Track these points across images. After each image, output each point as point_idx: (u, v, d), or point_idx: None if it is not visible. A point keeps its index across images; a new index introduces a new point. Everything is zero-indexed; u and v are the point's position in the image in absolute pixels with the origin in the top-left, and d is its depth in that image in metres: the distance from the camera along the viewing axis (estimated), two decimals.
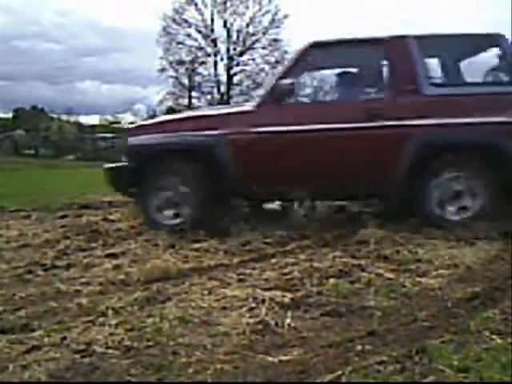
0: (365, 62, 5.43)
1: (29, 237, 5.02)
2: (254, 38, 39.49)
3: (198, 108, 33.05)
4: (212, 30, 38.79)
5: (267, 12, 38.38)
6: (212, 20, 38.48)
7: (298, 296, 2.89)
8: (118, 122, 48.39)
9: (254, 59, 40.02)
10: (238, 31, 38.93)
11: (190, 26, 38.79)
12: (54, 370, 2.05)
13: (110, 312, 2.69)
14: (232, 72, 39.43)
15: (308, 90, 6.18)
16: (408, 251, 3.82)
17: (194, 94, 42.17)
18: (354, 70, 5.67)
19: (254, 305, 2.74)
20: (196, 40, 39.29)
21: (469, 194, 4.54)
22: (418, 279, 3.19)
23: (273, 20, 38.64)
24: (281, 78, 4.70)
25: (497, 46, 4.84)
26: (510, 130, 4.45)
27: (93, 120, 60.70)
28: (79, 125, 51.31)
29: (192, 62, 39.84)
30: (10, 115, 55.98)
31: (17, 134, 40.89)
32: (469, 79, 5.20)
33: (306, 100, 5.69)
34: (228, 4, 38.19)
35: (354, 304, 2.77)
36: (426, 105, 4.61)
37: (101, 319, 2.60)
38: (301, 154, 4.58)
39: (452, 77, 5.36)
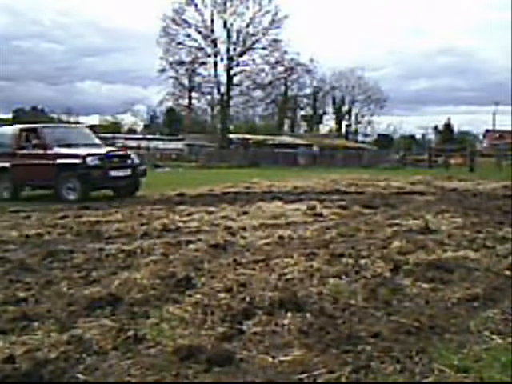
0: None
1: None
2: (254, 39, 39.49)
3: None
4: (212, 31, 38.78)
5: (267, 12, 38.40)
6: (212, 20, 38.47)
7: None
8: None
9: (253, 60, 40.04)
10: (238, 31, 38.92)
11: (189, 27, 38.79)
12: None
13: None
14: (232, 72, 39.41)
15: None
16: None
17: (193, 94, 42.20)
18: None
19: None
20: (196, 40, 39.29)
21: None
22: None
23: (273, 20, 38.65)
24: None
25: None
26: None
27: (93, 120, 60.64)
28: None
29: (192, 62, 39.84)
30: (10, 116, 56.01)
31: None
32: None
33: None
34: (228, 4, 38.18)
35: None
36: None
37: None
38: None
39: None
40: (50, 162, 10.12)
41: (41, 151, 10.37)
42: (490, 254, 3.99)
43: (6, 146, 11.05)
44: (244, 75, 40.27)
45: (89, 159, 9.86)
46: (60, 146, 10.33)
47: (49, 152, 10.25)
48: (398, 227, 5.41)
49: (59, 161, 10.05)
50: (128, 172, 10.49)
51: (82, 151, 10.12)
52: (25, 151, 10.72)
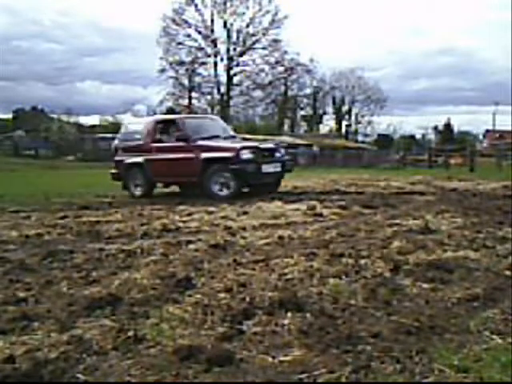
0: None
1: None
2: (254, 39, 39.57)
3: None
4: (212, 31, 38.84)
5: (267, 12, 38.49)
6: (212, 20, 38.54)
7: None
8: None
9: (254, 60, 40.06)
10: (238, 31, 38.99)
11: (189, 27, 38.87)
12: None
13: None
14: (232, 72, 39.47)
15: None
16: None
17: (193, 94, 42.23)
18: None
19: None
20: (196, 40, 39.38)
21: None
22: None
23: (273, 20, 38.73)
24: None
25: None
26: None
27: (93, 120, 60.69)
28: (79, 125, 51.35)
29: (192, 62, 39.87)
30: (10, 116, 56.01)
31: (17, 134, 40.89)
32: None
33: None
34: (228, 4, 38.25)
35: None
36: None
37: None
38: None
39: None
40: (194, 155, 9.36)
41: (181, 144, 9.57)
42: (490, 254, 3.99)
43: (136, 139, 10.19)
44: (244, 75, 40.32)
45: (242, 152, 9.12)
46: (202, 138, 9.58)
47: (192, 145, 9.47)
48: (398, 227, 5.41)
49: (206, 154, 9.30)
50: (278, 168, 9.70)
51: (234, 144, 9.50)
52: (161, 145, 9.92)
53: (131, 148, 10.32)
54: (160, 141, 10.06)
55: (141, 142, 10.16)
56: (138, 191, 10.09)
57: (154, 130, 10.17)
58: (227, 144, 9.60)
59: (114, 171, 10.72)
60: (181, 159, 9.55)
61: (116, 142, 10.93)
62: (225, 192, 9.20)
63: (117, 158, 10.66)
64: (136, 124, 10.89)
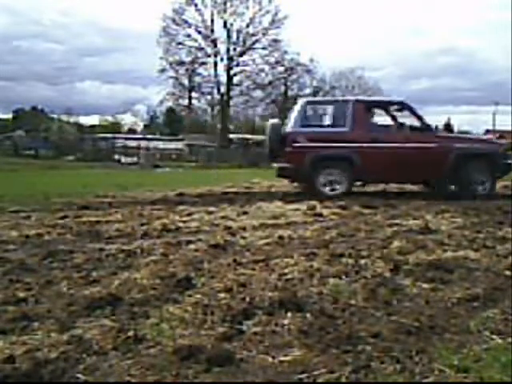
0: None
1: None
2: (254, 39, 39.54)
3: None
4: (212, 31, 38.82)
5: (267, 12, 38.46)
6: (212, 20, 38.52)
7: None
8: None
9: (254, 60, 40.06)
10: (238, 31, 38.96)
11: (189, 27, 38.84)
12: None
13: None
14: (232, 72, 39.45)
15: None
16: None
17: (193, 94, 42.20)
18: None
19: None
20: (196, 40, 39.34)
21: None
22: None
23: (273, 20, 38.70)
24: None
25: None
26: None
27: (93, 120, 60.70)
28: (79, 125, 51.40)
29: (192, 62, 39.86)
30: (10, 116, 56.05)
31: (17, 134, 40.91)
32: None
33: None
34: (228, 4, 38.22)
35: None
36: None
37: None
38: None
39: None
40: (440, 148, 8.20)
41: (416, 134, 8.31)
42: (489, 254, 3.99)
43: (329, 126, 8.51)
44: (244, 75, 40.32)
45: (499, 147, 8.50)
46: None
47: (437, 135, 8.49)
48: (398, 227, 5.41)
49: (461, 147, 8.22)
50: None
51: (479, 137, 9.15)
52: (383, 134, 8.43)
53: (323, 136, 8.42)
54: (371, 128, 8.47)
55: (344, 129, 8.33)
56: (331, 190, 8.40)
57: (364, 114, 8.42)
58: (478, 137, 9.30)
59: (285, 165, 8.46)
60: (423, 152, 8.21)
61: (289, 127, 8.57)
62: (482, 190, 8.36)
63: (293, 149, 8.33)
64: (322, 105, 9.12)
